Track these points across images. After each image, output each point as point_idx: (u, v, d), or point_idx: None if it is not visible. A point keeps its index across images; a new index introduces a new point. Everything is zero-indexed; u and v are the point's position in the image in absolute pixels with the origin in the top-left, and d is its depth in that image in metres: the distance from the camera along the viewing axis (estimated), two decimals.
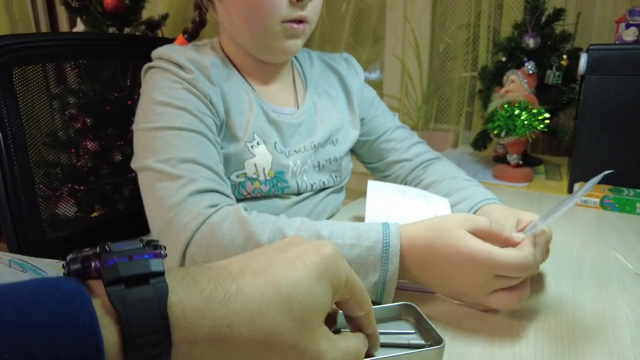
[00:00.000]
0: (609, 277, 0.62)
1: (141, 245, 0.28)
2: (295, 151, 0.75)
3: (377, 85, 1.74)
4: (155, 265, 0.27)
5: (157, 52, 0.68)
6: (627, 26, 1.03)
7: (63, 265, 0.28)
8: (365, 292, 0.36)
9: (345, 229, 0.52)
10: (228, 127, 0.69)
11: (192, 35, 0.78)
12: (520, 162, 1.08)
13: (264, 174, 0.71)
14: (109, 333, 0.24)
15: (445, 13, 1.57)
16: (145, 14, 1.65)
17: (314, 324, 0.31)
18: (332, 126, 0.80)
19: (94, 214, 1.15)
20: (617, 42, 1.05)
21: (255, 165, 0.70)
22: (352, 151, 0.89)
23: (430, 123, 1.67)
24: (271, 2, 0.64)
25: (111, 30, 1.52)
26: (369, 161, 0.91)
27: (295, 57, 0.83)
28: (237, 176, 0.70)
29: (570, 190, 0.98)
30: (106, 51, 0.90)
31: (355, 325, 0.38)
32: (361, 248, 0.49)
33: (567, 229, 0.79)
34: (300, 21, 0.67)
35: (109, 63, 0.94)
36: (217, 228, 0.52)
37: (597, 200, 0.89)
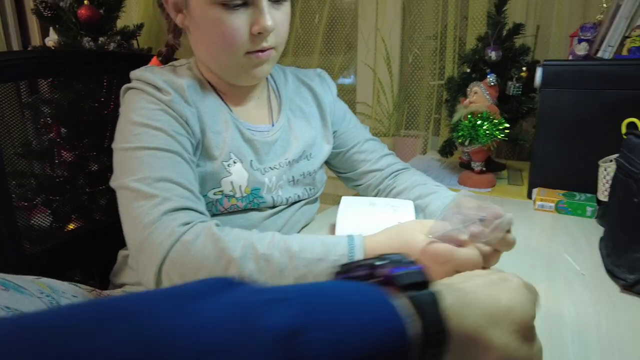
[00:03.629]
0: (558, 277, 0.68)
1: (403, 256, 0.34)
2: (270, 168, 0.77)
3: (350, 92, 1.79)
4: (423, 275, 0.32)
5: (135, 74, 0.70)
6: (579, 41, 1.10)
7: (339, 270, 0.35)
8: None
9: (314, 244, 0.55)
10: (204, 146, 0.71)
11: (166, 58, 0.80)
12: (484, 169, 1.14)
13: (241, 191, 0.74)
14: (414, 329, 0.28)
15: (414, 24, 1.63)
16: (119, 24, 1.65)
17: (534, 337, 0.38)
18: (305, 142, 0.83)
19: (71, 226, 1.15)
20: (571, 56, 1.12)
21: (231, 183, 0.72)
22: (326, 162, 0.93)
23: (401, 129, 1.72)
24: (232, 38, 0.66)
25: (85, 40, 1.52)
26: (342, 171, 0.95)
27: (270, 74, 0.86)
28: (214, 193, 0.72)
29: (529, 196, 1.05)
30: (81, 66, 0.91)
31: None
32: (328, 262, 0.53)
33: (524, 231, 0.85)
34: (266, 49, 0.69)
35: (83, 76, 0.95)
36: (190, 245, 0.53)
37: (553, 204, 0.95)
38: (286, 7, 0.71)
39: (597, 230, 0.84)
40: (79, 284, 0.69)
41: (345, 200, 0.77)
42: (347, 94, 1.79)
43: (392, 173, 0.90)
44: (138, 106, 0.65)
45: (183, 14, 0.70)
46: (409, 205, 0.76)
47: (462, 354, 0.32)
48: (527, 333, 0.36)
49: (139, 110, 0.65)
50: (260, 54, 0.69)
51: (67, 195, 1.00)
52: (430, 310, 0.29)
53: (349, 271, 0.34)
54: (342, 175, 0.96)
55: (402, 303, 0.29)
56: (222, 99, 0.76)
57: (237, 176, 0.73)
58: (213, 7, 0.64)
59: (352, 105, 1.73)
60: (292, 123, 0.83)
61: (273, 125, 0.81)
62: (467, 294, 0.34)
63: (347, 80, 1.84)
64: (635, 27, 1.02)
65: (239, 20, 0.65)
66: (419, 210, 0.78)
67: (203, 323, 0.23)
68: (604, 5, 1.15)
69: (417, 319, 0.28)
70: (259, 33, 0.66)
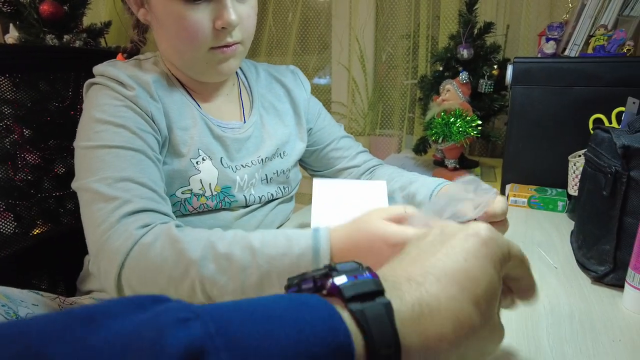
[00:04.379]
0: (532, 271, 0.69)
1: (358, 265, 0.31)
2: (242, 165, 0.76)
3: (325, 92, 1.79)
4: (376, 284, 0.29)
5: (98, 69, 0.67)
6: (547, 40, 1.12)
7: (287, 284, 0.32)
8: (520, 251, 0.37)
9: (276, 239, 0.52)
10: (171, 143, 0.69)
11: (130, 55, 0.77)
12: (457, 166, 1.15)
13: (210, 189, 0.72)
14: (358, 345, 0.25)
15: (388, 23, 1.64)
16: (86, 21, 1.60)
17: (494, 309, 0.33)
18: (278, 140, 0.81)
19: (36, 231, 1.11)
20: (539, 54, 1.15)
21: (200, 181, 0.70)
22: (301, 161, 0.92)
23: (376, 129, 1.73)
24: (195, 33, 0.64)
25: (49, 37, 1.46)
26: (317, 170, 0.94)
27: (241, 69, 0.84)
28: (182, 192, 0.70)
29: (503, 191, 1.06)
30: (45, 63, 0.87)
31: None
32: (292, 256, 0.50)
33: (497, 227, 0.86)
34: (231, 44, 0.67)
35: (49, 74, 0.91)
36: (148, 248, 0.51)
37: (525, 200, 0.97)
38: (252, 1, 0.69)
39: (568, 224, 0.86)
40: (40, 292, 0.66)
41: (318, 184, 0.74)
42: (322, 94, 1.78)
43: (369, 169, 0.90)
44: (100, 102, 0.63)
45: (145, 8, 0.68)
46: (381, 185, 0.75)
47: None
48: (494, 308, 0.33)
49: (101, 107, 0.62)
50: (225, 49, 0.67)
51: (32, 199, 0.96)
52: (377, 324, 0.26)
53: (298, 284, 0.31)
54: (318, 174, 0.94)
55: (344, 317, 0.26)
56: (191, 95, 0.74)
57: (206, 174, 0.71)
58: (174, 1, 0.62)
59: (327, 104, 1.73)
60: (265, 120, 0.82)
61: (245, 122, 0.79)
62: (428, 294, 0.30)
63: (322, 80, 1.84)
64: (600, 26, 1.05)
65: (201, 14, 0.63)
66: (406, 200, 0.78)
67: (99, 348, 0.21)
68: (570, 5, 1.19)
69: (360, 335, 0.26)
70: (223, 28, 0.64)
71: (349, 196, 0.73)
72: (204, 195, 0.71)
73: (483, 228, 0.34)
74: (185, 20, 0.63)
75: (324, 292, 0.29)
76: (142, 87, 0.66)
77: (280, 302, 0.26)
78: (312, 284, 0.30)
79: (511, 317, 0.56)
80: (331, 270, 0.30)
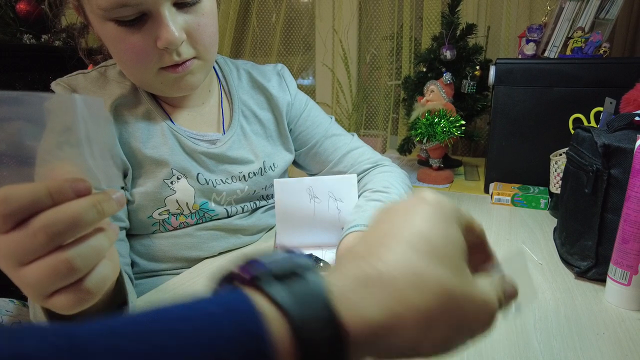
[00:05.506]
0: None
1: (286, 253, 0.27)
2: (222, 181, 0.72)
3: (309, 92, 1.79)
4: (304, 260, 0.25)
5: (56, 87, 0.63)
6: (527, 41, 1.15)
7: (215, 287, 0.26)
8: (471, 216, 0.32)
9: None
10: (141, 166, 0.65)
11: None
12: (442, 165, 1.17)
13: (188, 208, 0.68)
14: (278, 328, 0.21)
15: (371, 24, 1.65)
16: (66, 21, 1.56)
17: (464, 266, 0.28)
18: (263, 153, 0.77)
19: None
20: (520, 55, 1.17)
21: (177, 201, 0.67)
22: (296, 164, 0.87)
23: (361, 129, 1.74)
24: (136, 56, 0.58)
25: (26, 37, 1.42)
26: (313, 172, 0.88)
27: (222, 72, 0.79)
28: (159, 214, 0.67)
29: (486, 190, 1.08)
30: (22, 64, 0.85)
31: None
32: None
33: (483, 225, 0.87)
34: (182, 62, 0.61)
35: (26, 75, 0.88)
36: None
37: (509, 198, 0.99)
38: (202, 7, 0.61)
39: (551, 221, 0.88)
40: (14, 300, 0.64)
41: (278, 185, 0.70)
42: (306, 94, 1.78)
43: (359, 174, 0.81)
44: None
45: (92, 26, 0.63)
46: (351, 179, 0.71)
47: (397, 336, 0.24)
48: (464, 269, 0.28)
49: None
50: (177, 68, 0.61)
51: None
52: (302, 302, 0.22)
53: (225, 279, 0.26)
54: (314, 175, 0.89)
55: (258, 303, 0.22)
56: (161, 106, 0.69)
57: (182, 194, 0.67)
58: (108, 23, 0.56)
59: None
60: (247, 131, 0.76)
61: (224, 133, 0.74)
62: (381, 262, 0.25)
63: (305, 81, 1.84)
64: (577, 29, 1.08)
65: (139, 36, 0.57)
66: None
67: None
68: (548, 7, 1.22)
69: (279, 316, 0.21)
70: (166, 48, 0.58)
71: (316, 192, 0.71)
72: (182, 214, 0.69)
73: (427, 192, 0.30)
74: (123, 43, 0.57)
75: (244, 279, 0.25)
76: None
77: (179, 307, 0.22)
78: (230, 278, 0.25)
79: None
80: (249, 260, 0.25)
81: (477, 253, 0.33)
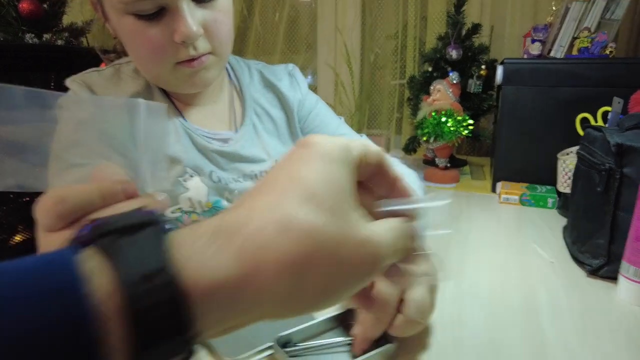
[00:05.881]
0: (529, 267, 0.70)
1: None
2: (234, 179, 0.72)
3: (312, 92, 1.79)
4: (149, 215, 0.23)
5: (70, 84, 0.64)
6: (533, 41, 1.15)
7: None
8: (366, 143, 0.29)
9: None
10: None
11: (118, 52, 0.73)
12: (448, 165, 1.17)
13: (201, 206, 0.68)
14: (101, 281, 0.19)
15: (375, 24, 1.65)
16: (67, 20, 1.55)
17: (346, 208, 0.25)
18: (277, 154, 0.77)
19: (18, 237, 1.07)
20: (525, 55, 1.18)
21: (190, 199, 0.67)
22: None
23: (363, 129, 1.74)
24: (153, 50, 0.59)
25: (28, 36, 1.41)
26: None
27: (233, 71, 0.79)
28: (172, 212, 0.66)
29: (494, 189, 1.09)
30: (24, 63, 0.84)
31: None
32: None
33: (491, 224, 0.88)
34: (198, 57, 0.62)
35: (27, 75, 0.88)
36: None
37: (517, 197, 0.99)
38: (219, 3, 0.61)
39: (559, 220, 0.89)
40: None
41: None
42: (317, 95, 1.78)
43: None
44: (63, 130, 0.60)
45: (108, 23, 0.64)
46: None
47: (257, 291, 0.22)
48: (346, 212, 0.25)
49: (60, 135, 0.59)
50: (192, 62, 0.62)
51: (12, 205, 0.93)
52: (136, 260, 0.20)
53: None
54: None
55: (84, 257, 0.20)
56: (174, 104, 0.70)
57: (195, 192, 0.67)
58: (127, 17, 0.57)
59: None
60: (259, 129, 0.76)
61: (236, 132, 0.74)
62: (241, 208, 0.24)
63: (307, 80, 1.84)
64: (583, 29, 1.08)
65: (158, 29, 0.58)
66: None
67: None
68: (553, 7, 1.22)
69: (107, 269, 0.19)
70: (183, 41, 0.58)
71: None
72: (194, 212, 0.68)
73: (313, 136, 0.27)
74: (141, 36, 0.58)
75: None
76: None
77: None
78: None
79: (515, 311, 0.57)
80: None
81: (383, 182, 0.30)
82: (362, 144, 0.28)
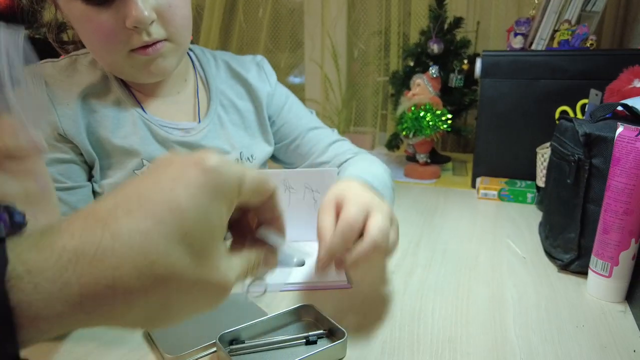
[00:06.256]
0: (501, 263, 0.68)
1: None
2: None
3: (299, 90, 1.77)
4: None
5: None
6: (515, 35, 1.14)
7: None
8: (262, 179, 0.31)
9: None
10: (110, 156, 0.64)
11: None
12: (428, 161, 1.15)
13: None
14: None
15: (359, 20, 1.63)
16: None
17: (213, 251, 0.26)
18: (241, 144, 0.75)
19: None
20: (508, 49, 1.16)
21: None
22: (274, 158, 0.86)
23: (350, 126, 1.72)
24: (104, 36, 0.57)
25: None
26: (292, 166, 0.87)
27: (199, 61, 0.77)
28: None
29: (474, 185, 1.07)
30: None
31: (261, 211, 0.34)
32: None
33: (468, 220, 0.86)
34: (152, 43, 0.60)
35: None
36: None
37: (495, 192, 0.97)
38: None
39: (537, 216, 0.87)
40: None
41: None
42: (295, 92, 1.75)
43: (341, 164, 0.81)
44: None
45: (59, 9, 0.62)
46: (331, 173, 0.69)
47: (101, 317, 0.23)
48: (210, 253, 0.26)
49: None
50: (146, 50, 0.59)
51: None
52: None
53: None
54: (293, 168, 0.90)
55: None
56: (133, 94, 0.68)
57: None
58: (74, 2, 0.55)
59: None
60: (224, 120, 0.75)
61: (199, 122, 0.72)
62: (109, 231, 0.23)
63: (296, 80, 1.82)
64: (564, 21, 1.07)
65: (108, 14, 0.56)
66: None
67: None
68: (536, 1, 1.20)
69: None
70: (135, 27, 0.56)
71: (291, 184, 0.69)
72: None
73: (209, 154, 0.27)
74: (92, 22, 0.56)
75: None
76: (63, 108, 0.61)
77: None
78: None
79: (479, 307, 0.55)
80: None
81: (267, 212, 0.34)
82: (258, 179, 0.30)
